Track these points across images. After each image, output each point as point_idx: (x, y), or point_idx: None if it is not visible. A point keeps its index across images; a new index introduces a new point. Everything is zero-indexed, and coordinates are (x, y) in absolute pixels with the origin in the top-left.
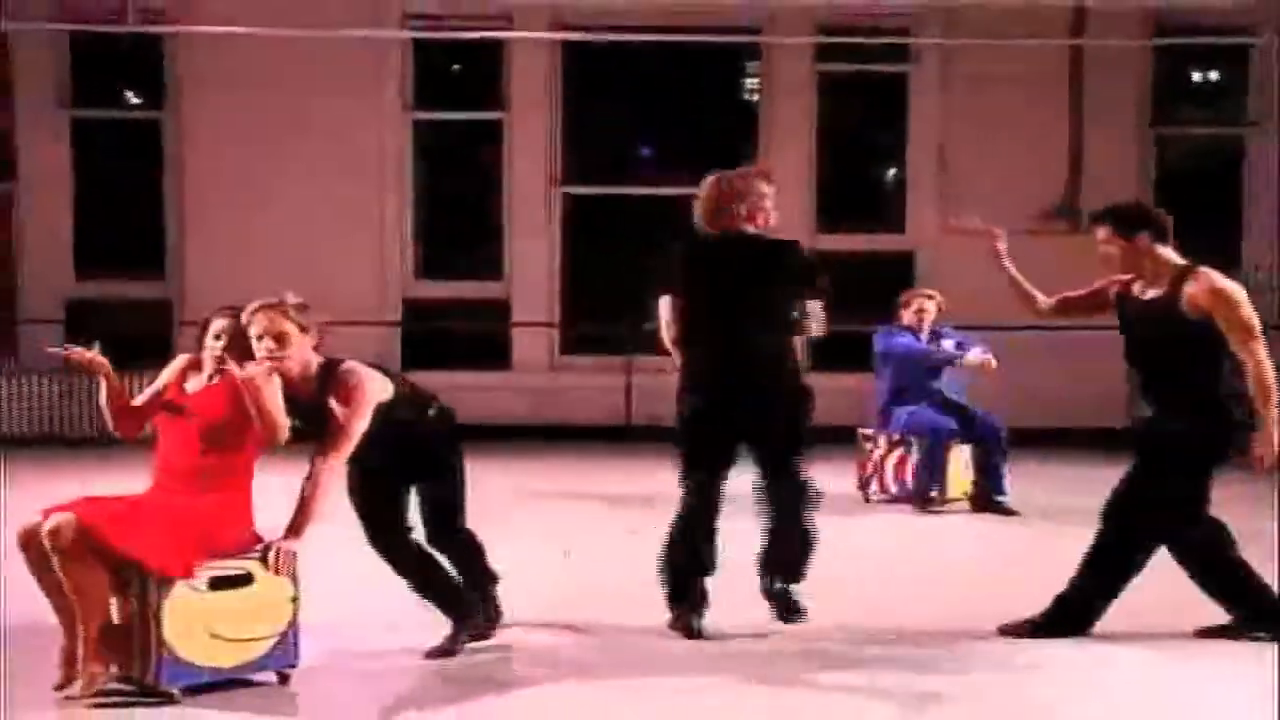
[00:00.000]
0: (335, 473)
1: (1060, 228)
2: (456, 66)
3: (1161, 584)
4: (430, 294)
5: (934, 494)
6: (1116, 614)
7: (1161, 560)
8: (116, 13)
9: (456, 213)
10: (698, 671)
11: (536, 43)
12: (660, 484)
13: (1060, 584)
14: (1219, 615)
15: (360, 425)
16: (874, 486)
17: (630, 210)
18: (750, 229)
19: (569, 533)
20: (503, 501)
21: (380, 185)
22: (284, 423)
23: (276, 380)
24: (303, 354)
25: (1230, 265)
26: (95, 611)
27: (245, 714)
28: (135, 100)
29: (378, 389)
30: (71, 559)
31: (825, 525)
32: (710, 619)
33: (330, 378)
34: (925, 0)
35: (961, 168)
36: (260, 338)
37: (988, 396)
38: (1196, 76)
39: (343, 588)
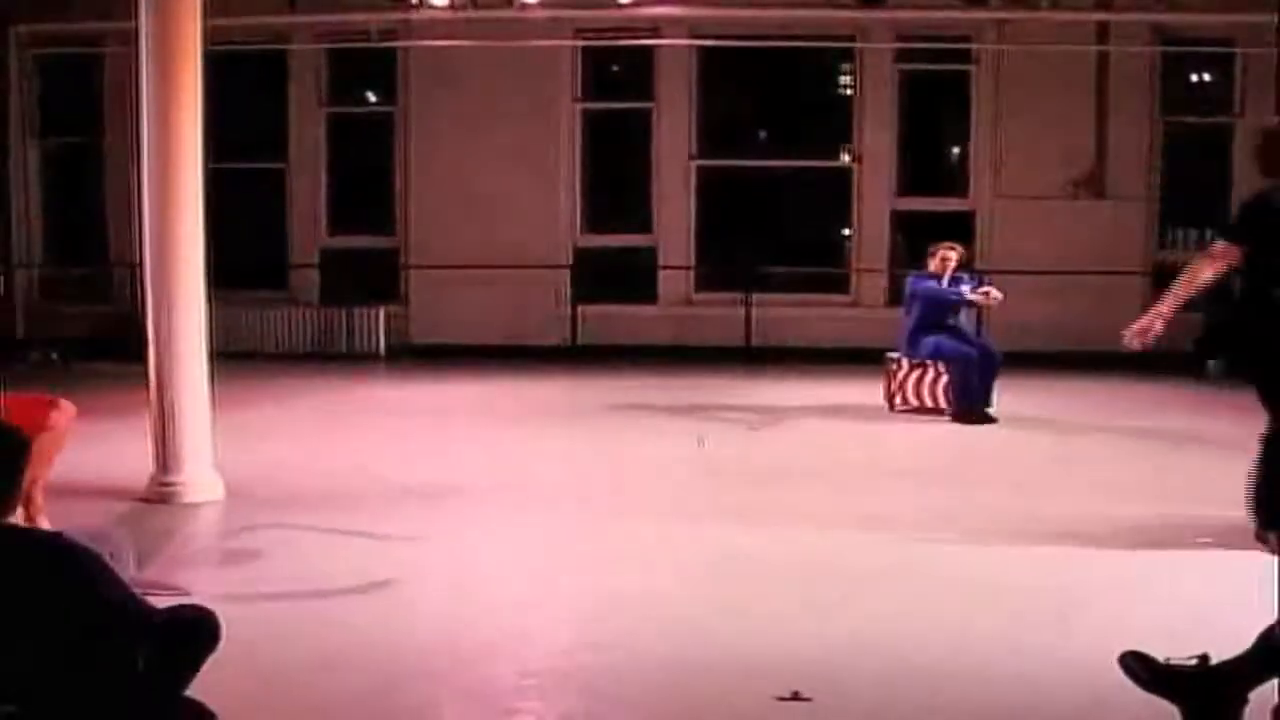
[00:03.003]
0: None
1: (1086, 194)
2: (616, 67)
3: None
4: (595, 244)
5: (975, 407)
6: None
7: None
8: (363, 33)
9: (615, 180)
10: None
11: (678, 49)
12: (776, 395)
13: None
14: None
15: None
16: (898, 400)
17: (749, 179)
18: None
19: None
20: (649, 406)
21: (556, 160)
22: None
23: None
24: None
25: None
26: None
27: None
28: (373, 98)
29: None
30: None
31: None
32: None
33: None
34: (984, 15)
35: (1009, 147)
36: None
37: (1016, 325)
38: (1194, 77)
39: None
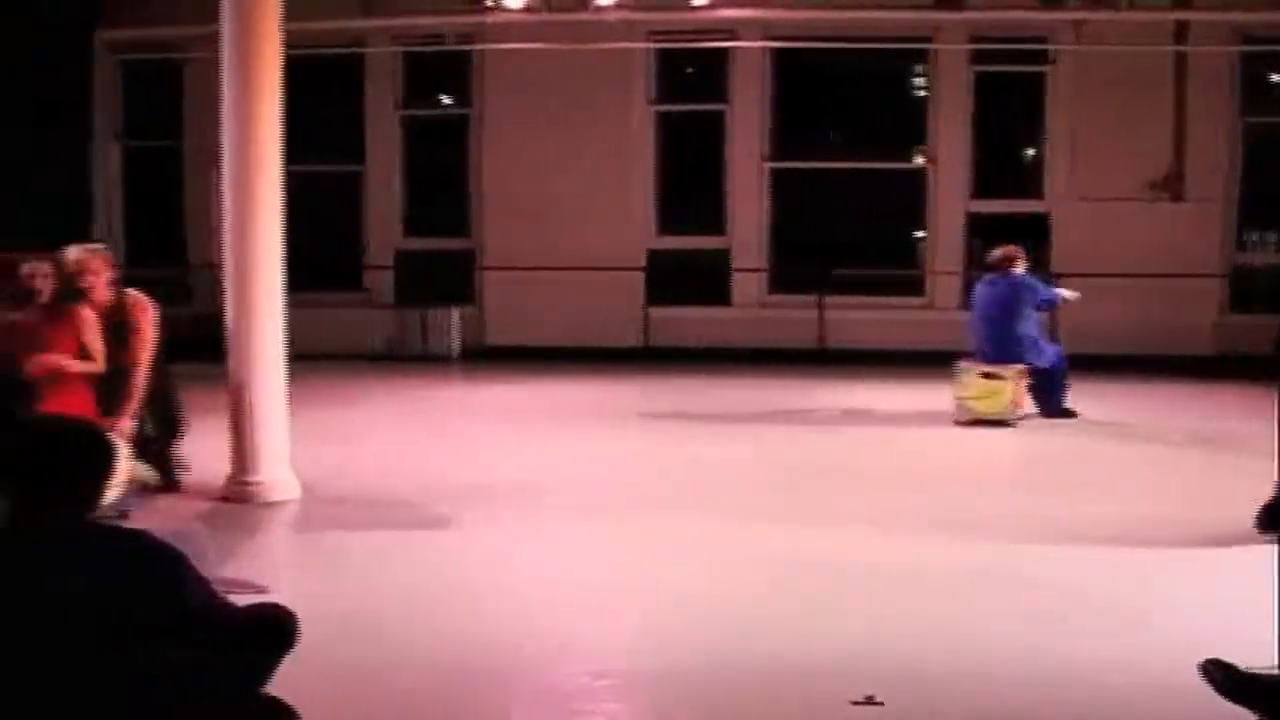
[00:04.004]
0: None
1: (1163, 196)
2: (689, 69)
3: None
4: (668, 245)
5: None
6: None
7: None
8: (439, 36)
9: (689, 182)
10: None
11: (752, 50)
12: (849, 399)
13: None
14: None
15: None
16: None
17: (823, 181)
18: None
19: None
20: (721, 408)
21: (629, 162)
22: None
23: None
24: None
25: None
26: None
27: None
28: (448, 101)
29: None
30: None
31: None
32: None
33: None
34: (1060, 15)
35: (1086, 148)
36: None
37: (1092, 328)
38: (1276, 77)
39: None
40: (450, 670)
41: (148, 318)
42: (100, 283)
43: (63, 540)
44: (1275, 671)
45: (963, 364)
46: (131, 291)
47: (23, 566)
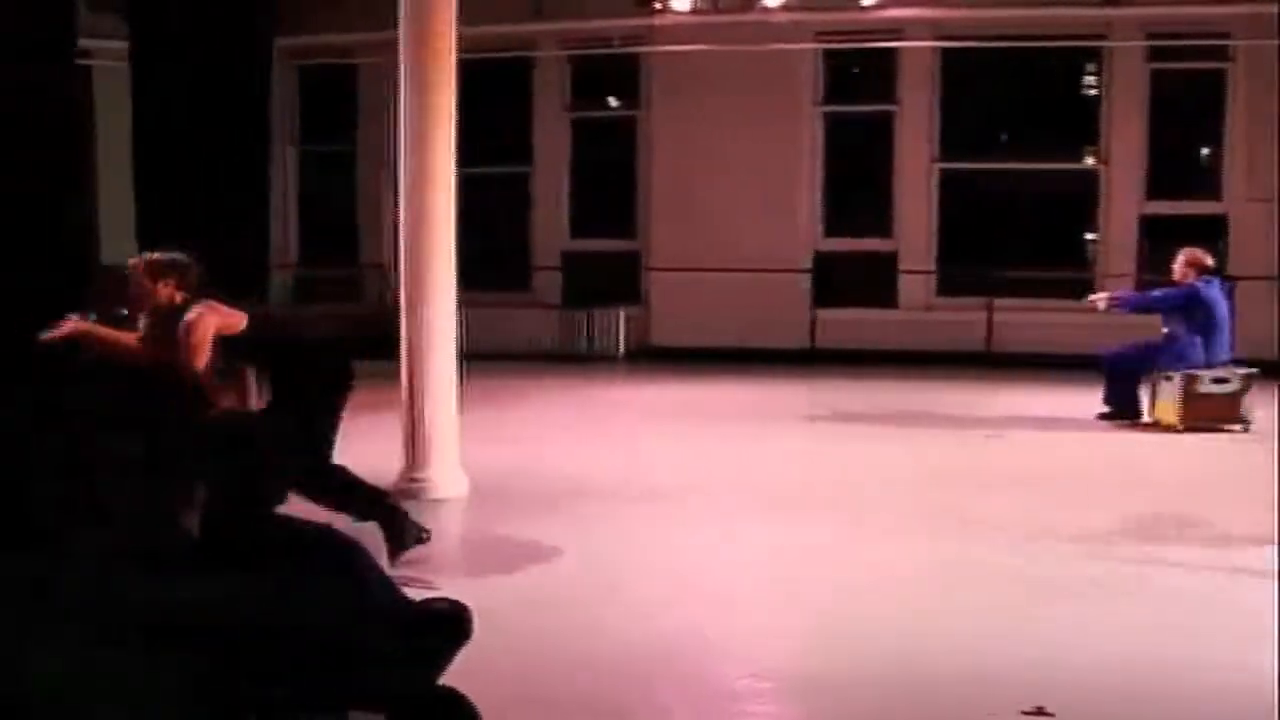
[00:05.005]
0: None
1: None
2: (856, 70)
3: None
4: (835, 247)
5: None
6: None
7: None
8: (607, 39)
9: (856, 184)
10: None
11: (920, 50)
12: (1016, 403)
13: None
14: None
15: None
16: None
17: (992, 182)
18: None
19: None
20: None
21: (796, 164)
22: None
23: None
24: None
25: None
26: None
27: None
28: (616, 103)
29: None
30: None
31: None
32: None
33: None
34: (1239, 10)
35: (1264, 147)
36: None
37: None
38: None
39: None
40: (614, 669)
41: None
42: (143, 294)
43: (255, 536)
44: None
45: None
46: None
47: (221, 562)
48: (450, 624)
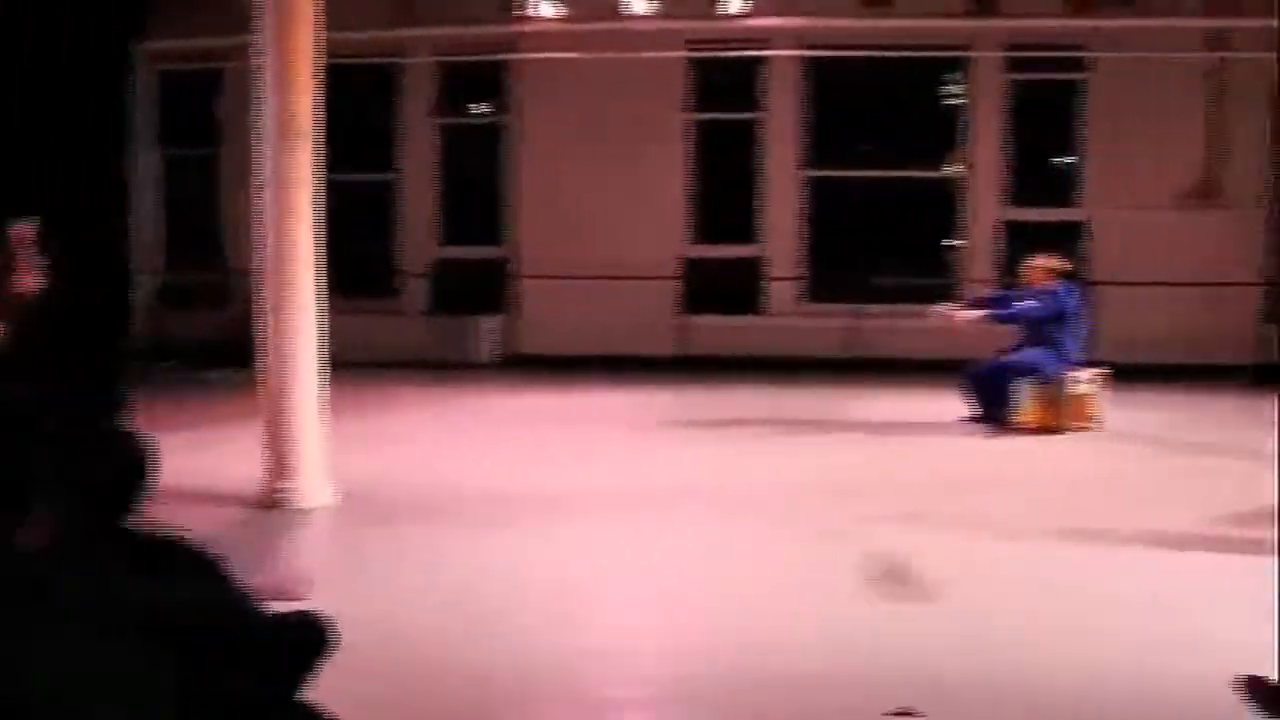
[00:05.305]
0: None
1: (1199, 204)
2: (724, 78)
3: None
4: (703, 254)
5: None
6: None
7: None
8: (475, 45)
9: (723, 191)
10: None
11: (786, 59)
12: (880, 409)
13: None
14: None
15: None
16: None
17: (858, 189)
18: None
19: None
20: (753, 416)
21: (664, 171)
22: None
23: None
24: None
25: None
26: None
27: None
28: (484, 109)
29: None
30: None
31: None
32: None
33: None
34: (1095, 22)
35: (1121, 156)
36: None
37: (1127, 337)
38: None
39: None
40: (483, 679)
41: None
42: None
43: (107, 546)
44: None
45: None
46: None
47: (75, 573)
48: (311, 637)
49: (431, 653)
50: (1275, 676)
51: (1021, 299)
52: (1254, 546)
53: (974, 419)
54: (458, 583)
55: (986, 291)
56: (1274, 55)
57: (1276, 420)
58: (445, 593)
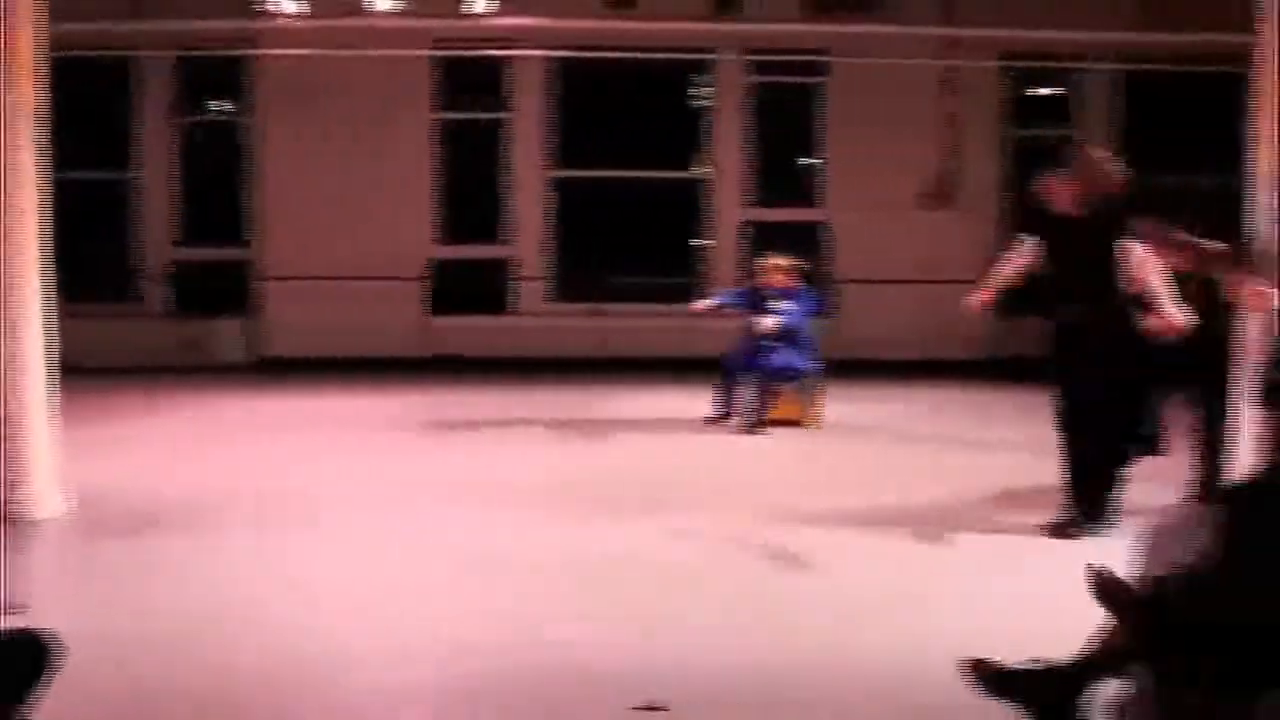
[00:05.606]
0: None
1: (936, 205)
2: (470, 78)
3: None
4: (450, 254)
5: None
6: None
7: None
8: (215, 40)
9: (470, 191)
10: None
11: (532, 59)
12: (625, 407)
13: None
14: None
15: None
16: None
17: (605, 190)
18: None
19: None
20: (496, 416)
21: (411, 171)
22: None
23: None
24: None
25: None
26: None
27: None
28: (226, 107)
29: None
30: None
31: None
32: None
33: None
34: (835, 28)
35: (860, 158)
36: None
37: (867, 335)
38: (1041, 91)
39: None
40: (225, 690)
41: None
42: None
43: None
44: (1031, 666)
45: None
46: None
47: None
48: (36, 653)
49: (163, 664)
50: (1000, 659)
51: (764, 299)
52: (977, 531)
53: (719, 417)
54: (190, 592)
55: (727, 291)
56: (1001, 63)
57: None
58: (177, 603)
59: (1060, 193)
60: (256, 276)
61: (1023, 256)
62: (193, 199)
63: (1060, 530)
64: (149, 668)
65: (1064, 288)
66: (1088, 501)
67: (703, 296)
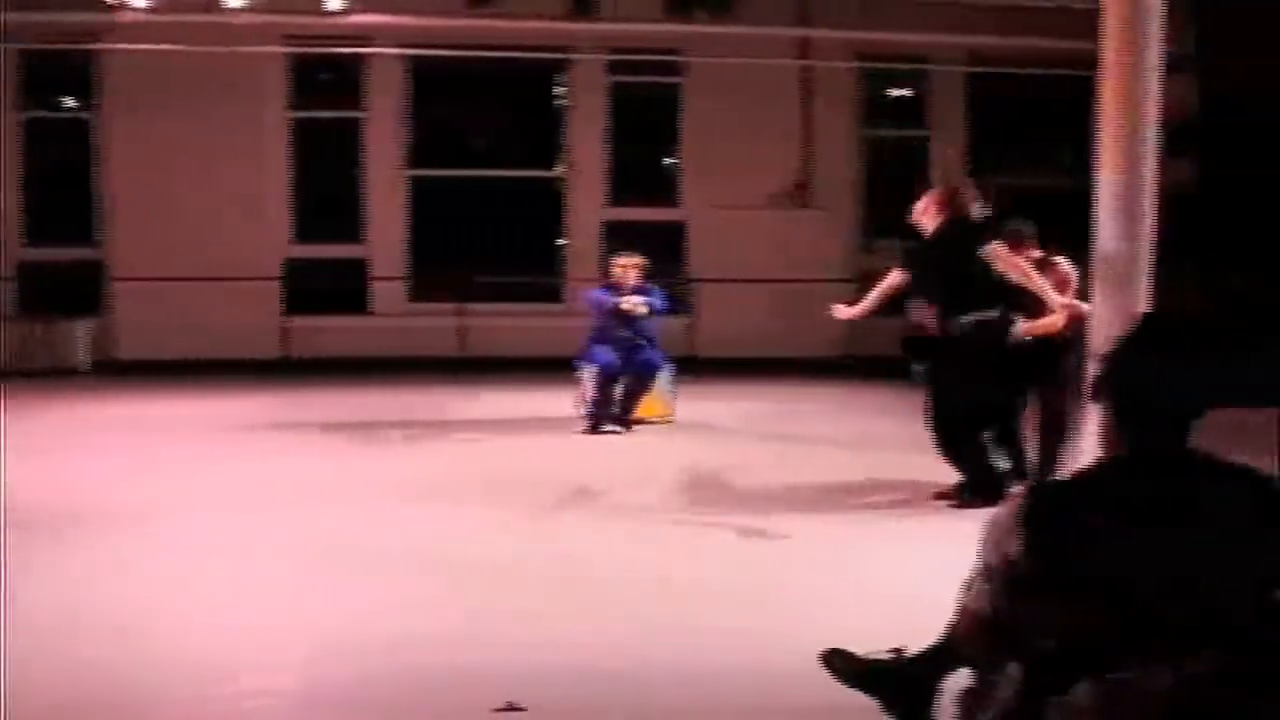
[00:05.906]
0: None
1: (793, 204)
2: (325, 75)
3: None
4: (306, 254)
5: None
6: None
7: None
8: (61, 34)
9: (326, 191)
10: None
11: (388, 57)
12: (483, 407)
13: None
14: None
15: None
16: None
17: (464, 189)
18: None
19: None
20: (351, 419)
21: (264, 169)
22: None
23: None
24: None
25: None
26: None
27: None
28: (71, 103)
29: None
30: None
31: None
32: None
33: None
34: (690, 28)
35: (719, 158)
36: None
37: (726, 333)
38: (893, 92)
39: None
40: (94, 703)
41: None
42: None
43: None
44: (891, 656)
45: None
46: None
47: None
48: None
49: (21, 681)
50: (856, 650)
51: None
52: (846, 521)
53: (586, 415)
54: (29, 603)
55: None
56: (855, 64)
57: None
58: (16, 614)
59: (926, 208)
60: (107, 277)
61: (894, 280)
62: (40, 198)
63: (946, 496)
64: None
65: (945, 303)
66: (970, 479)
67: (571, 297)
